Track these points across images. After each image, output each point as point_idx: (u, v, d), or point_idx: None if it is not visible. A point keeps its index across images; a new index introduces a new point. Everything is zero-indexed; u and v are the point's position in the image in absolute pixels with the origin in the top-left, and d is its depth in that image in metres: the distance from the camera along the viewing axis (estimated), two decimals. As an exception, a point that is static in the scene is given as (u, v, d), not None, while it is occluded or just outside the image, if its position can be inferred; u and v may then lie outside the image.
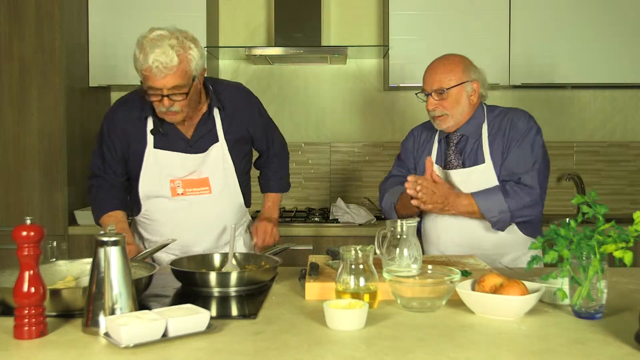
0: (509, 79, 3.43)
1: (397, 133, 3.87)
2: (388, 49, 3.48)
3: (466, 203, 2.10)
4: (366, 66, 3.87)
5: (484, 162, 2.19)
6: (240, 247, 2.30)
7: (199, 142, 2.15)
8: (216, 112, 2.17)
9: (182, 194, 2.13)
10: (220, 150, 2.17)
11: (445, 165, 2.27)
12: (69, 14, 3.26)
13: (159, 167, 2.12)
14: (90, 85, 3.51)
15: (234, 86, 2.29)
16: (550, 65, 3.45)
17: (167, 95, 1.94)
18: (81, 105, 3.43)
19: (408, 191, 2.06)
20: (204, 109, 2.16)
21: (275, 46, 3.45)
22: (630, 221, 1.41)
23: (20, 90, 3.18)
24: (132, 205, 2.25)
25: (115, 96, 3.84)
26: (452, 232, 2.23)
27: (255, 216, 2.51)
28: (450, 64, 2.20)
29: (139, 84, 2.01)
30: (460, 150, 2.24)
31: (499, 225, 2.12)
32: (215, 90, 2.18)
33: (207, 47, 3.47)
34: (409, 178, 2.05)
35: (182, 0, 3.46)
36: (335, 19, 3.84)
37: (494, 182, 2.16)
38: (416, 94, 2.31)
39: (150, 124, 2.13)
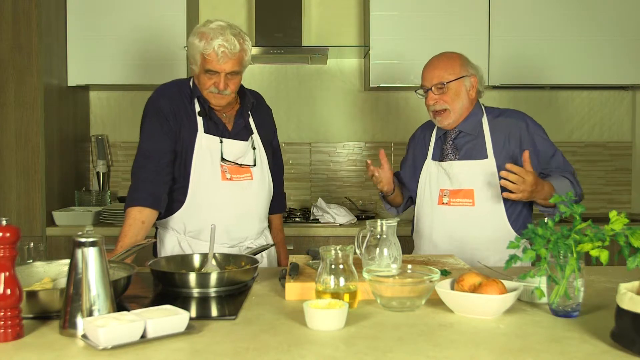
0: (488, 79, 3.46)
1: (377, 133, 3.89)
2: (369, 50, 3.49)
3: (548, 190, 2.09)
4: (347, 66, 3.88)
5: (486, 157, 2.22)
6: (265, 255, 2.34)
7: (240, 133, 2.26)
8: (248, 110, 2.29)
9: (229, 179, 2.20)
10: (257, 142, 2.29)
11: (441, 158, 2.30)
12: (46, 12, 3.22)
13: (210, 151, 2.18)
14: (68, 84, 3.47)
15: (255, 92, 2.41)
16: (529, 66, 3.49)
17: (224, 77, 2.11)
18: (59, 104, 3.39)
19: (502, 182, 2.04)
20: (237, 106, 2.28)
21: (255, 46, 3.43)
22: (607, 220, 1.43)
23: (-4, 90, 3.14)
24: (177, 197, 2.20)
25: (94, 95, 3.80)
26: (447, 227, 2.26)
27: None
28: (448, 59, 2.26)
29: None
30: (457, 145, 2.28)
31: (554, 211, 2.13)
32: (244, 90, 2.30)
33: (187, 47, 3.44)
34: (507, 166, 2.02)
35: (163, 0, 3.44)
36: (316, 19, 3.84)
37: (495, 177, 2.18)
38: (415, 90, 2.35)
39: (197, 107, 2.20)
